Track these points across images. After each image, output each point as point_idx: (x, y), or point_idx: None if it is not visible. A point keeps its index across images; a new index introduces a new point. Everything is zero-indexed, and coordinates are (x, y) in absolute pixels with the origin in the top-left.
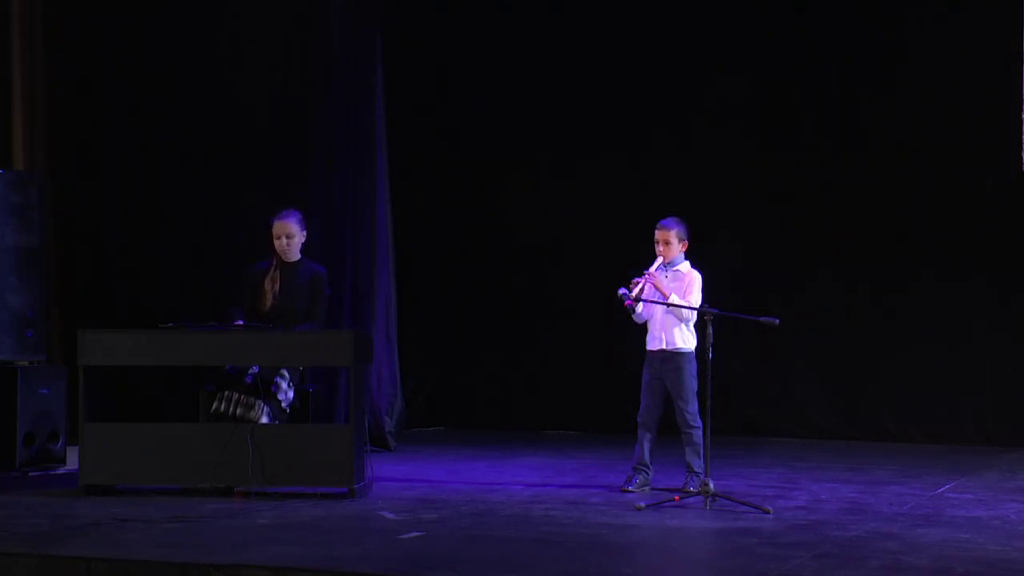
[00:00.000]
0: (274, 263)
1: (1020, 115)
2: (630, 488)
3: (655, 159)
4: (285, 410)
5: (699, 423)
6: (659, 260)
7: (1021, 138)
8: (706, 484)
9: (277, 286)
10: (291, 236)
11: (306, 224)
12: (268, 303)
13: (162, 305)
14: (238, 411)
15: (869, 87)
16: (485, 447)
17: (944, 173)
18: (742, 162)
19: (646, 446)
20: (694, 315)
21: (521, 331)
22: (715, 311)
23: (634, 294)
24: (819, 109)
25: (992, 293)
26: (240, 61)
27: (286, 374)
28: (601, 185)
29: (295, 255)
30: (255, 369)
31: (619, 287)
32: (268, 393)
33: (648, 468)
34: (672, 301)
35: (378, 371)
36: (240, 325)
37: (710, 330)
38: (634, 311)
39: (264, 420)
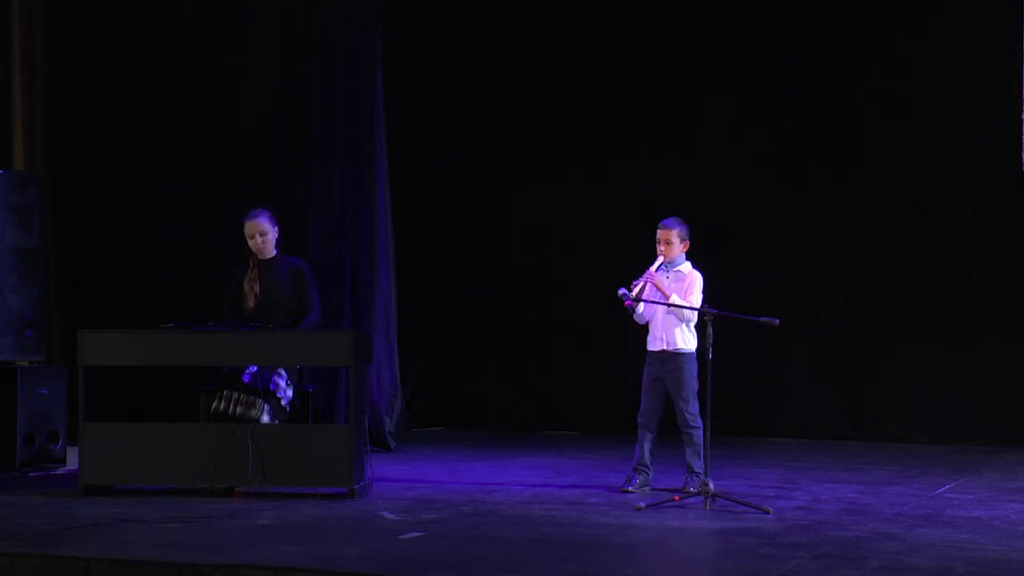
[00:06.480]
0: (251, 264)
1: (1020, 115)
2: (630, 488)
3: (656, 160)
4: (285, 408)
5: (699, 423)
6: (660, 260)
7: (1021, 138)
8: (706, 484)
9: (257, 286)
10: (264, 233)
11: (276, 220)
12: (251, 303)
13: (162, 305)
14: (238, 410)
15: (870, 87)
16: (485, 447)
17: (944, 173)
18: (742, 162)
19: (646, 446)
20: (695, 315)
21: (521, 331)
22: (715, 311)
23: (634, 294)
24: (819, 109)
25: (992, 293)
26: (241, 61)
27: (283, 372)
28: (602, 184)
29: (271, 252)
30: (253, 368)
31: (620, 287)
32: (268, 392)
33: (648, 468)
34: (673, 301)
35: (378, 371)
36: (239, 325)
37: (710, 330)
38: (635, 311)
39: (265, 419)
